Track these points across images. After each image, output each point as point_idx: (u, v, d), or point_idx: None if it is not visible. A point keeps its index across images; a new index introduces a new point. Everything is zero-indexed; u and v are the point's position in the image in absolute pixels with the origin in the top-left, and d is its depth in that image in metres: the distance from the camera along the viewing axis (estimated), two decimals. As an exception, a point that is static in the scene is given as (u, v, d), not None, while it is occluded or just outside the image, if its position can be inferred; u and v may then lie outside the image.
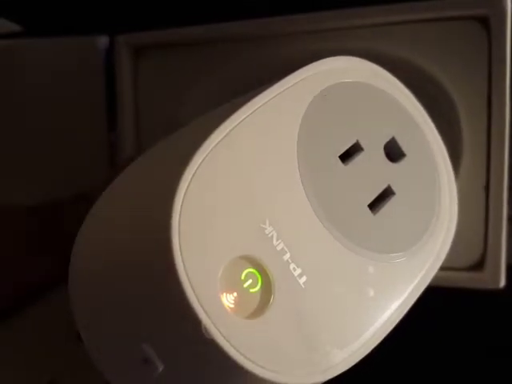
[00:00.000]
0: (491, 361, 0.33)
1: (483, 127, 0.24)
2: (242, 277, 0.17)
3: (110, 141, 0.33)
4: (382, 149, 0.20)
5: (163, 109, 0.31)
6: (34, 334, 0.26)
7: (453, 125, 0.25)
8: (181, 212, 0.16)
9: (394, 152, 0.20)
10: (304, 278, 0.17)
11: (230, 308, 0.16)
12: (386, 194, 0.20)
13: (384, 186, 0.20)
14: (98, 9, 0.35)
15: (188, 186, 0.16)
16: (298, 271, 0.17)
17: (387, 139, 0.20)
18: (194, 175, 0.16)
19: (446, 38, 0.25)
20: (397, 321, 0.19)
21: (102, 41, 0.33)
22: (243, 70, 0.28)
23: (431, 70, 0.25)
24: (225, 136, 0.17)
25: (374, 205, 0.19)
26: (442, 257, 0.20)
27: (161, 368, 0.17)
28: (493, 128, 0.24)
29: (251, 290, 0.17)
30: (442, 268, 0.20)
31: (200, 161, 0.17)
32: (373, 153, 0.20)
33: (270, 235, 0.17)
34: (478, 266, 0.25)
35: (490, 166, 0.24)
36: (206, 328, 0.16)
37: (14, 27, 0.34)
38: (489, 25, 0.24)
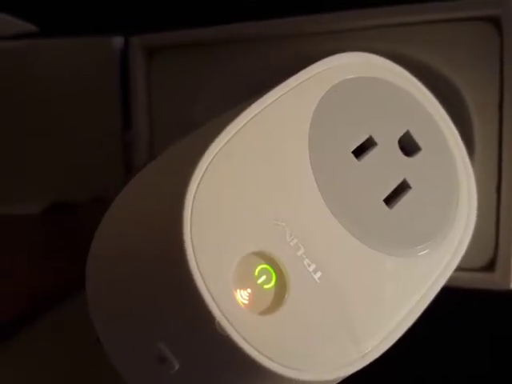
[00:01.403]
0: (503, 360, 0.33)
1: (495, 128, 0.24)
2: (256, 273, 0.17)
3: (124, 140, 0.34)
4: (397, 143, 0.20)
5: (177, 108, 0.31)
6: (53, 339, 0.26)
7: (465, 125, 0.24)
8: (192, 208, 0.16)
9: (409, 146, 0.20)
10: (319, 274, 0.17)
11: (244, 304, 0.16)
12: (401, 188, 0.19)
13: (399, 180, 0.19)
14: (112, 10, 0.35)
15: (200, 182, 0.16)
16: (313, 266, 0.17)
17: (401, 133, 0.20)
18: (205, 170, 0.16)
19: (458, 39, 0.24)
20: (416, 316, 0.19)
21: (117, 41, 0.33)
22: (256, 69, 0.28)
23: (443, 70, 0.25)
24: (236, 132, 0.17)
25: (390, 199, 0.19)
26: (463, 249, 0.20)
27: (177, 366, 0.16)
28: (504, 129, 0.24)
29: (265, 286, 0.17)
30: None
31: (212, 156, 0.17)
32: (387, 147, 0.19)
33: (282, 231, 0.17)
34: (489, 266, 0.24)
35: (501, 169, 0.24)
36: (220, 324, 0.16)
37: (30, 27, 0.34)
38: (500, 25, 0.24)
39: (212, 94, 0.30)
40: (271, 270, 0.17)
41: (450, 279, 0.20)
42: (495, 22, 0.24)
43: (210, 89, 0.30)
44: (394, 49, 0.25)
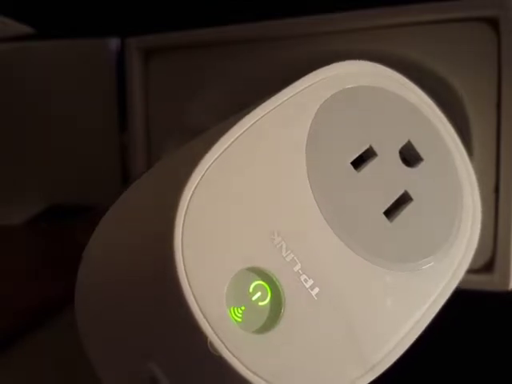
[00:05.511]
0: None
1: (493, 128, 0.24)
2: (251, 289, 0.16)
3: (121, 142, 0.33)
4: (398, 153, 0.19)
5: (174, 110, 0.30)
6: (44, 357, 0.26)
7: (463, 125, 0.24)
8: (184, 223, 0.15)
9: (410, 156, 0.19)
10: (316, 290, 0.17)
11: (238, 322, 0.16)
12: (402, 201, 0.19)
13: (400, 192, 0.19)
14: (108, 11, 0.35)
15: (191, 198, 0.16)
16: (310, 282, 0.17)
17: (402, 143, 0.19)
18: (196, 186, 0.16)
19: (455, 39, 0.24)
20: (423, 327, 0.18)
21: (114, 43, 0.33)
22: (254, 71, 0.28)
23: (441, 70, 0.24)
24: (230, 145, 0.17)
25: (391, 212, 0.18)
26: (469, 259, 0.20)
27: (168, 387, 0.16)
28: (502, 129, 0.23)
29: (260, 304, 0.16)
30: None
31: (205, 169, 0.16)
32: (387, 158, 0.19)
33: (278, 246, 0.16)
34: (488, 268, 0.24)
35: (499, 169, 0.23)
36: (212, 344, 0.15)
37: (26, 29, 0.33)
38: (498, 26, 0.23)
39: (209, 95, 0.29)
40: (266, 287, 0.16)
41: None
42: (493, 23, 0.23)
43: (208, 91, 0.29)
44: (392, 49, 0.25)
